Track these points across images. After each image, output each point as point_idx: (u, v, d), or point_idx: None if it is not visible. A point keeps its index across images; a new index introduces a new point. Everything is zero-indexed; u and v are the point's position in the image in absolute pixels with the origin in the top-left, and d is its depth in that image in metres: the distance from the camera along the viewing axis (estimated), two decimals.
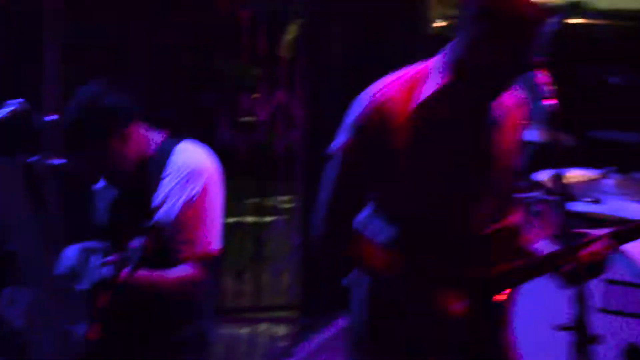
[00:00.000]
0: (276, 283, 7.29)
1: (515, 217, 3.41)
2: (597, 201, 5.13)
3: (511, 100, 3.27)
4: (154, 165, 3.78)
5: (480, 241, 3.33)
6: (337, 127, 6.61)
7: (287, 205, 7.56)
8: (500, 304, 3.49)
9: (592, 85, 6.42)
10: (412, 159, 3.19)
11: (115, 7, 6.88)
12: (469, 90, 3.11)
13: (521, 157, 3.50)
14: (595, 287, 4.67)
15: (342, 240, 3.34)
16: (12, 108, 3.86)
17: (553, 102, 3.06)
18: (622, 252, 4.85)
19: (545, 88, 3.06)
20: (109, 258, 3.58)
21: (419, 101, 3.11)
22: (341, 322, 6.13)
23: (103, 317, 3.51)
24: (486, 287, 3.40)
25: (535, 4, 3.04)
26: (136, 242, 3.37)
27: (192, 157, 3.80)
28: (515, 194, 3.55)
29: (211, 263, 3.73)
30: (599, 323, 4.01)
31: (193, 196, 3.69)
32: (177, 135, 3.87)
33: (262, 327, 6.87)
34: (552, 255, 3.40)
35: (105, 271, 3.58)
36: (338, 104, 6.32)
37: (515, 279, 3.48)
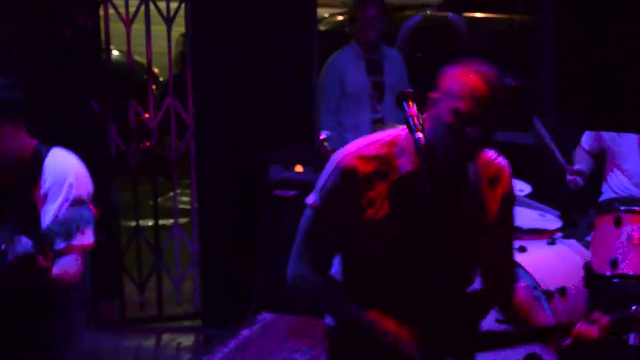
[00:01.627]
0: (178, 292, 7.22)
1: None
2: None
3: (493, 170, 3.38)
4: (28, 167, 3.79)
5: (446, 303, 3.31)
6: (228, 131, 6.51)
7: (185, 207, 7.66)
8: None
9: None
10: (385, 226, 3.28)
11: None
12: (441, 171, 3.19)
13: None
14: None
15: (307, 283, 3.47)
16: None
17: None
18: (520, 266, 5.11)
19: (417, 120, 3.04)
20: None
21: (395, 178, 3.23)
22: (244, 334, 6.33)
23: None
24: (446, 346, 3.35)
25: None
26: (23, 238, 3.51)
27: (67, 162, 3.78)
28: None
29: (85, 256, 3.75)
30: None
31: (71, 197, 3.70)
32: (47, 142, 3.85)
33: (167, 337, 6.71)
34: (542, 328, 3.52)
35: None
36: (228, 105, 6.26)
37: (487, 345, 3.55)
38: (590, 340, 3.15)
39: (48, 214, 3.72)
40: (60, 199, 3.76)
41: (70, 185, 3.79)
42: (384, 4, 7.14)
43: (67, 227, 3.65)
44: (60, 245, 3.68)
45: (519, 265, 4.98)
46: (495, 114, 3.13)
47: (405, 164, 3.23)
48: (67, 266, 3.61)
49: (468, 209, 3.23)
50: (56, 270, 3.64)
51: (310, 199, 3.30)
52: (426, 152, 3.10)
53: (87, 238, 3.68)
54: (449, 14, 8.24)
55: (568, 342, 3.21)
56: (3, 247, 3.47)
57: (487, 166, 3.29)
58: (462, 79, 3.11)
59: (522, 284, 4.74)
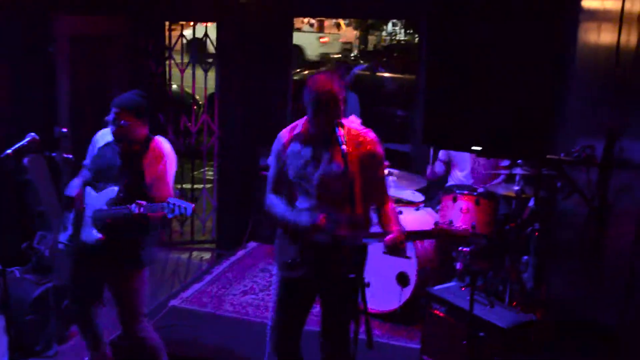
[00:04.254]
0: (203, 227, 7.25)
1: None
2: None
3: (355, 138, 3.36)
4: (142, 146, 3.76)
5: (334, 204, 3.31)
6: (240, 137, 6.56)
7: (210, 178, 7.65)
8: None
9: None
10: (288, 159, 3.43)
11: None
12: (314, 132, 3.36)
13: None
14: None
15: (271, 205, 3.50)
16: (29, 138, 3.74)
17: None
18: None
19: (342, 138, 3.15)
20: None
21: (292, 135, 3.46)
22: (240, 253, 6.46)
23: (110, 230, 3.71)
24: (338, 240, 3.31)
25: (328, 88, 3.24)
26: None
27: (167, 147, 3.84)
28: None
29: None
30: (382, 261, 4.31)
31: (167, 168, 3.77)
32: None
33: (195, 254, 6.84)
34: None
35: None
36: (238, 121, 6.36)
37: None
38: (389, 244, 3.22)
39: (148, 174, 3.74)
40: (165, 168, 3.79)
41: (169, 161, 3.83)
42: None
43: (170, 207, 3.61)
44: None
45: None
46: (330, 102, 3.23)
47: (299, 130, 3.44)
48: (155, 211, 3.63)
49: (336, 157, 3.30)
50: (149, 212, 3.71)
51: (270, 158, 3.57)
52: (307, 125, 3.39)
53: (170, 215, 3.65)
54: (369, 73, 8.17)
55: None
56: (133, 207, 3.57)
57: (355, 135, 3.38)
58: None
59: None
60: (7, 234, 4.92)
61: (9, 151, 3.63)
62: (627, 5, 2.32)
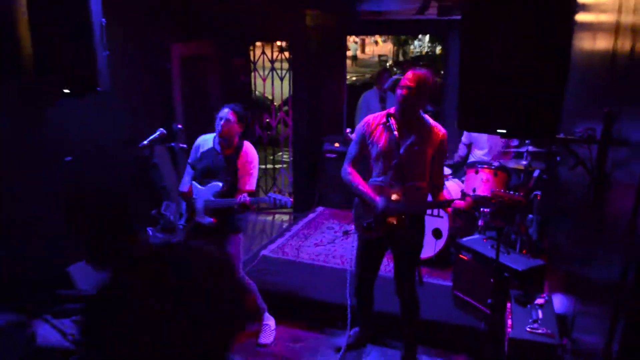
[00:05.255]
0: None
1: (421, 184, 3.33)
2: None
3: (432, 130, 3.30)
4: (236, 151, 3.82)
5: (402, 187, 3.29)
6: (308, 129, 6.54)
7: (286, 160, 7.71)
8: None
9: None
10: (376, 143, 3.35)
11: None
12: (401, 122, 3.25)
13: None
14: None
15: (347, 174, 3.44)
16: (159, 132, 3.84)
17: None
18: None
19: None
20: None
21: (380, 122, 3.35)
22: (310, 215, 6.52)
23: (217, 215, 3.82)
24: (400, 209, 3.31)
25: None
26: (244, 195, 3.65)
27: (252, 149, 3.87)
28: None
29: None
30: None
31: (254, 168, 3.81)
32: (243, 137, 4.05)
33: (277, 217, 7.03)
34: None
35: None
36: (308, 116, 6.35)
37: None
38: (462, 208, 3.21)
39: (240, 172, 3.80)
40: (250, 170, 3.80)
41: (254, 164, 3.85)
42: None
43: (272, 200, 3.69)
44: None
45: None
46: (424, 96, 3.17)
47: (386, 119, 3.33)
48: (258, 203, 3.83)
49: (415, 144, 3.24)
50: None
51: (353, 136, 3.54)
52: (394, 115, 3.27)
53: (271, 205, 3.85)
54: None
55: (451, 209, 3.28)
56: (240, 199, 3.62)
57: (432, 126, 3.31)
58: (406, 76, 3.21)
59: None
60: (142, 203, 5.06)
61: (145, 142, 3.74)
62: (623, 18, 2.29)
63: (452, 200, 3.27)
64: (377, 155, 3.36)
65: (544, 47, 2.37)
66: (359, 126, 3.46)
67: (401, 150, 3.23)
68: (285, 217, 6.92)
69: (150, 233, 5.04)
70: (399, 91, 3.19)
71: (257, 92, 7.69)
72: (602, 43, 2.80)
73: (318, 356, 3.92)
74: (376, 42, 26.65)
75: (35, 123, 4.31)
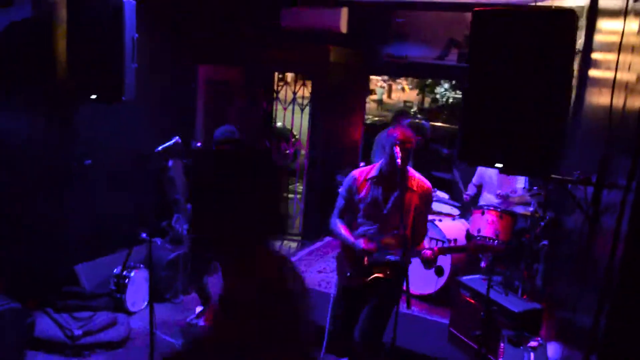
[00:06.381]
0: (293, 224, 7.43)
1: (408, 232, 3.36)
2: None
3: (418, 184, 3.41)
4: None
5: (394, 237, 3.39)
6: (323, 160, 6.63)
7: (300, 190, 7.63)
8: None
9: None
10: (363, 199, 3.44)
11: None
12: (388, 176, 3.35)
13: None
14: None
15: (334, 226, 3.54)
16: (174, 140, 3.97)
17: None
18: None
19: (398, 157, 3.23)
20: None
21: (369, 178, 3.44)
22: (317, 244, 6.47)
23: None
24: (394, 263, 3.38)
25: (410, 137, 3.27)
26: None
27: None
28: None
29: None
30: None
31: None
32: None
33: (285, 243, 6.99)
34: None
35: None
36: (324, 148, 6.48)
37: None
38: (428, 258, 3.26)
39: None
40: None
41: None
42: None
43: None
44: None
45: (437, 227, 5.02)
46: (410, 152, 3.30)
47: (374, 174, 3.46)
48: None
49: (402, 197, 3.35)
50: None
51: (341, 190, 3.60)
52: (382, 170, 3.40)
53: None
54: (423, 122, 8.19)
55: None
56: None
57: (416, 181, 3.44)
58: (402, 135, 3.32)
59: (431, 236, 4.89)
60: (153, 215, 5.16)
61: (159, 148, 3.92)
62: (618, 75, 2.40)
63: (420, 250, 3.28)
64: (365, 208, 3.44)
65: (545, 86, 2.48)
66: (347, 180, 3.55)
67: (389, 204, 3.36)
68: (294, 244, 6.93)
69: (159, 243, 5.17)
70: (395, 149, 3.23)
71: (277, 121, 7.83)
72: (603, 97, 2.92)
73: None
74: (403, 89, 27.03)
75: (63, 124, 4.48)
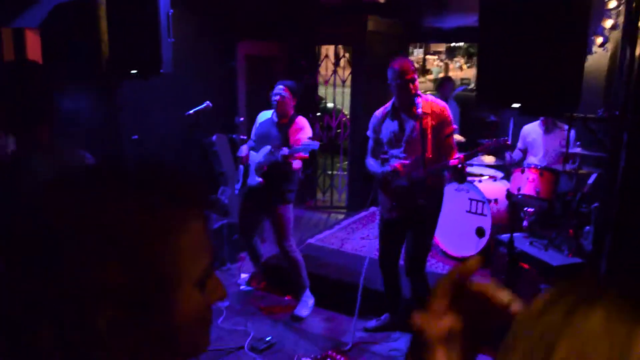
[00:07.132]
0: (339, 196, 7.57)
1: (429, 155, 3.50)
2: None
3: (431, 106, 3.47)
4: (290, 120, 4.08)
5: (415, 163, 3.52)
6: (364, 132, 6.69)
7: (345, 167, 7.68)
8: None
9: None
10: (385, 133, 3.62)
11: None
12: (400, 107, 3.53)
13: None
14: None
15: (368, 166, 3.79)
16: (205, 104, 4.14)
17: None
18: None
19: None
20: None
21: (384, 112, 3.64)
22: (363, 213, 6.64)
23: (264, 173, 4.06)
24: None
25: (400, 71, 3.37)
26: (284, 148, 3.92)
27: (304, 121, 4.11)
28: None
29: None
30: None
31: (305, 136, 4.02)
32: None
33: (332, 215, 7.15)
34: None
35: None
36: (365, 119, 6.51)
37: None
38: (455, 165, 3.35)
39: (291, 139, 4.06)
40: (300, 135, 4.07)
41: (305, 131, 4.12)
42: None
43: (303, 146, 3.90)
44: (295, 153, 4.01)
45: (477, 187, 5.00)
46: (409, 82, 3.33)
47: (388, 108, 3.59)
48: (296, 152, 3.92)
49: (416, 124, 3.45)
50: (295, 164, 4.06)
51: (368, 132, 3.76)
52: (394, 104, 3.54)
53: (305, 153, 3.95)
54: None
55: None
56: (280, 154, 3.90)
57: (428, 104, 3.48)
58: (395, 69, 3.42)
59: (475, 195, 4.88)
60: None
61: (191, 111, 4.10)
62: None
63: (447, 162, 3.39)
64: (388, 140, 3.63)
65: (563, 25, 2.43)
66: (370, 121, 3.74)
67: (406, 133, 3.51)
68: (341, 216, 6.98)
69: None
70: (392, 83, 3.41)
71: (319, 95, 7.89)
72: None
73: (346, 335, 4.01)
74: (460, 67, 26.34)
75: (110, 102, 4.73)
